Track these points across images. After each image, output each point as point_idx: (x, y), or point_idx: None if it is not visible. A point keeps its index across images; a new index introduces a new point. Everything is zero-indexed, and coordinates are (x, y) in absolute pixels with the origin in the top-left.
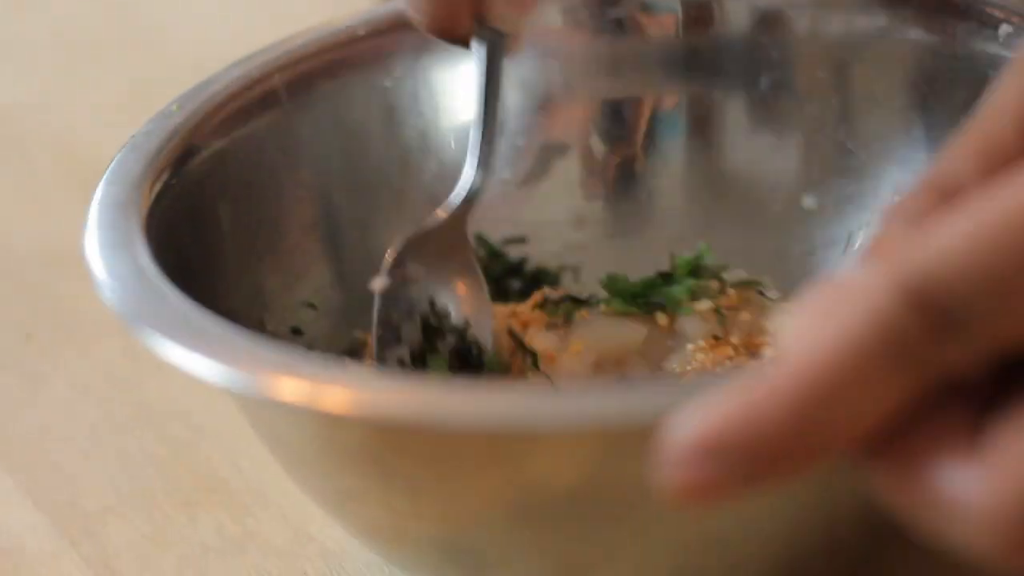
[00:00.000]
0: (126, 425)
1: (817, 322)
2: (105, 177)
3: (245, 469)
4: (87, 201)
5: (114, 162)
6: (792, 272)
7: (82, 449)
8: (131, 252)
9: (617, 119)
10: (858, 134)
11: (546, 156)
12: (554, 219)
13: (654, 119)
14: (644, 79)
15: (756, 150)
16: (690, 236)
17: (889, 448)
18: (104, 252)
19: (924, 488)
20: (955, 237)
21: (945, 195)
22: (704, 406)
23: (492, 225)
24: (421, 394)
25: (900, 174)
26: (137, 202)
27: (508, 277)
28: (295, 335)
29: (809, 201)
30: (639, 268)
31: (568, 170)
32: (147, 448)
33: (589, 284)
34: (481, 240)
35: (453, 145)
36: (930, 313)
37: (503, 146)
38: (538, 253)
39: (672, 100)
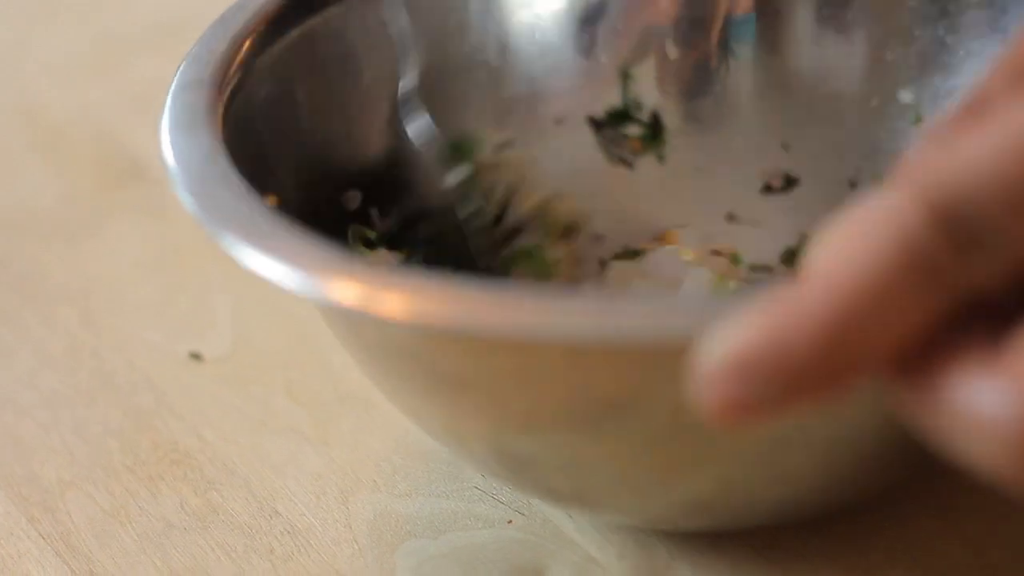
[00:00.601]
0: (86, 395)
1: (845, 242)
2: (190, 53)
3: (209, 441)
4: (44, 163)
5: (200, 38)
6: (887, 168)
7: (40, 421)
8: (205, 138)
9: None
10: (957, 30)
11: (645, 40)
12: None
13: (730, 14)
14: None
15: (854, 44)
16: (786, 130)
17: (913, 366)
18: (176, 135)
19: (945, 403)
20: (978, 153)
21: (979, 117)
22: (735, 325)
23: (588, 107)
24: (465, 301)
25: None
26: (218, 81)
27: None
28: None
29: (906, 96)
30: (725, 161)
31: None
32: (108, 420)
33: (677, 170)
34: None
35: (553, 28)
36: (953, 229)
37: (601, 29)
38: None
39: None
